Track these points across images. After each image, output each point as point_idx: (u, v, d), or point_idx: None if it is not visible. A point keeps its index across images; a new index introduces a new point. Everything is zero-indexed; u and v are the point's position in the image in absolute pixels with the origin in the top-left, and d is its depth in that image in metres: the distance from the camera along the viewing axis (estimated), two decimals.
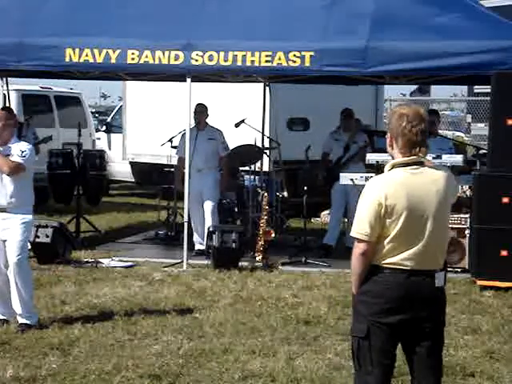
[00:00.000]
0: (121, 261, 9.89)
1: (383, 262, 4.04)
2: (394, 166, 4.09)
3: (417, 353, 4.13)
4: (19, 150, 7.01)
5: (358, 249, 4.07)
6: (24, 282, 6.92)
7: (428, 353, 4.12)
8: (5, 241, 6.97)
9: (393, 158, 4.14)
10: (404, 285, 4.01)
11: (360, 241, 4.04)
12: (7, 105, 11.87)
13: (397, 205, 3.99)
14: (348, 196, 10.63)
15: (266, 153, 12.15)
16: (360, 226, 4.04)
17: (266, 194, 10.32)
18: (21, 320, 6.94)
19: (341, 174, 9.91)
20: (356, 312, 4.19)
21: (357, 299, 4.17)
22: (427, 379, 4.16)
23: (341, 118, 11.06)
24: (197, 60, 9.41)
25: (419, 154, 4.06)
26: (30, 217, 7.01)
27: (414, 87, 25.06)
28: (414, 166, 4.06)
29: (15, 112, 11.86)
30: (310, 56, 9.10)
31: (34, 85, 16.27)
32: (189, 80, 9.58)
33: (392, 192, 4.00)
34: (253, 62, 9.25)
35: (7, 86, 12.27)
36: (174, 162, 11.49)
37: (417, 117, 4.04)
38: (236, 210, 11.38)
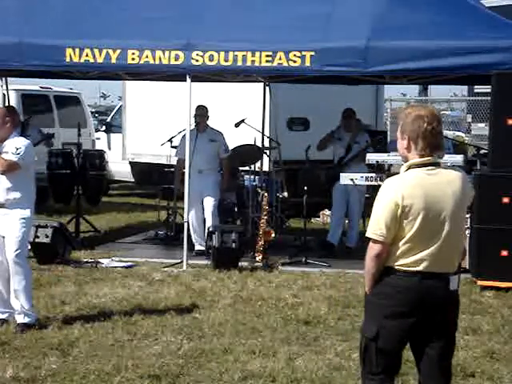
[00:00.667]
0: (120, 261, 9.88)
1: (397, 263, 4.01)
2: (410, 167, 4.05)
3: (428, 355, 4.09)
4: (14, 147, 6.91)
5: (372, 250, 4.02)
6: (22, 280, 6.87)
7: (440, 355, 4.09)
8: (4, 237, 6.92)
9: (406, 160, 4.09)
10: (416, 288, 3.97)
11: (375, 241, 4.00)
12: (7, 104, 11.85)
13: (414, 205, 3.95)
14: (349, 195, 10.63)
15: (266, 153, 12.14)
16: (376, 227, 3.99)
17: (265, 194, 10.31)
18: (19, 319, 6.91)
19: (341, 174, 9.91)
20: (367, 312, 4.17)
21: (369, 300, 4.14)
22: (437, 381, 4.13)
23: (342, 118, 11.06)
24: (197, 60, 9.40)
25: (438, 154, 4.03)
26: (28, 213, 6.92)
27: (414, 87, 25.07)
28: (431, 167, 4.02)
29: None
30: (311, 56, 9.08)
31: (33, 85, 16.26)
32: (189, 80, 9.57)
33: (409, 192, 3.97)
34: (253, 61, 9.24)
35: (7, 86, 12.26)
36: (174, 161, 11.49)
37: (434, 118, 4.01)
38: (236, 209, 11.36)
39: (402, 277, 3.99)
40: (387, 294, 4.02)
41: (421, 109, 4.07)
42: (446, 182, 4.04)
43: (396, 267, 4.01)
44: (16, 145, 6.95)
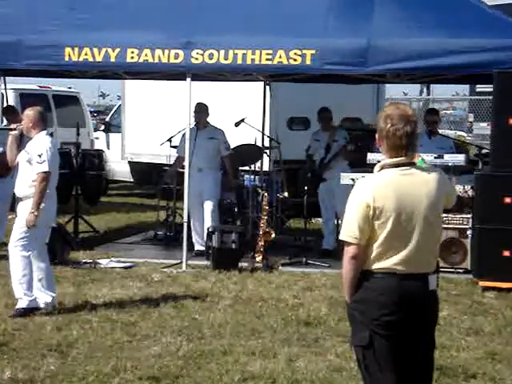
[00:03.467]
0: (120, 261, 9.85)
1: (374, 266, 3.94)
2: (383, 167, 4.00)
3: (411, 357, 4.02)
4: (36, 154, 7.04)
5: (348, 253, 3.94)
6: (16, 269, 7.22)
7: (422, 357, 4.03)
8: None
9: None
10: (397, 289, 3.90)
11: (349, 244, 3.93)
12: (5, 104, 11.83)
13: (385, 206, 3.89)
14: (334, 195, 10.56)
15: (266, 152, 12.11)
16: (349, 229, 3.93)
17: (266, 194, 10.28)
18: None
19: (341, 174, 9.84)
20: (354, 321, 4.07)
21: (352, 308, 4.06)
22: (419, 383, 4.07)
23: (318, 118, 11.04)
24: (197, 58, 9.36)
25: (406, 156, 3.95)
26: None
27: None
28: (405, 167, 3.96)
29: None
30: (311, 54, 9.06)
31: (32, 84, 16.23)
32: (189, 79, 9.54)
33: (380, 193, 3.90)
34: (253, 60, 9.21)
35: (5, 85, 12.22)
36: (173, 161, 11.45)
37: (402, 118, 3.93)
38: (236, 209, 11.33)
39: (380, 279, 3.92)
40: (369, 298, 3.94)
41: (393, 108, 3.99)
42: (420, 182, 3.97)
43: (374, 270, 3.94)
44: (37, 150, 7.08)
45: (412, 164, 3.98)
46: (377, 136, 4.04)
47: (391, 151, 3.96)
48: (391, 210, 3.89)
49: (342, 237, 3.97)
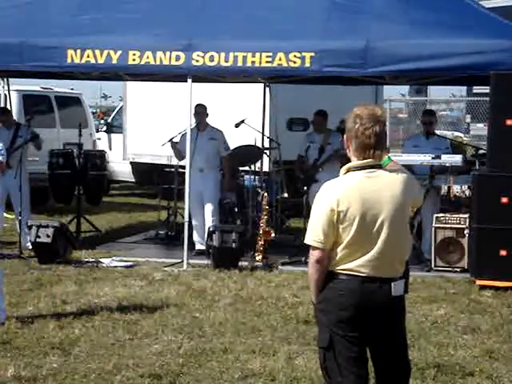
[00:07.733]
0: (121, 261, 9.91)
1: (338, 268, 3.91)
2: (349, 170, 3.92)
3: (378, 361, 4.01)
4: None
5: (312, 256, 3.92)
6: None
7: (388, 361, 4.00)
8: None
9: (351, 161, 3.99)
10: (358, 292, 3.86)
11: (314, 248, 3.90)
12: (8, 105, 11.89)
13: (349, 210, 3.84)
14: None
15: (266, 153, 12.16)
16: (314, 233, 3.90)
17: (265, 194, 10.34)
18: None
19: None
20: (318, 322, 4.08)
21: (316, 309, 4.05)
22: None
23: (312, 120, 11.09)
24: (198, 61, 9.43)
25: (373, 157, 3.89)
26: None
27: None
28: (370, 170, 3.89)
29: (15, 112, 11.92)
30: (311, 56, 9.12)
31: (34, 85, 16.27)
32: (189, 80, 9.60)
33: (344, 197, 3.85)
34: (253, 62, 9.27)
35: (8, 87, 12.28)
36: (174, 162, 11.50)
37: (371, 118, 3.88)
38: (236, 209, 11.39)
39: (343, 280, 3.89)
40: (331, 298, 3.92)
41: (362, 109, 3.94)
42: (384, 185, 3.90)
43: (338, 271, 3.91)
44: None
45: (378, 166, 3.93)
46: (345, 137, 3.99)
47: (359, 151, 3.90)
48: (355, 213, 3.85)
49: (306, 241, 3.94)
